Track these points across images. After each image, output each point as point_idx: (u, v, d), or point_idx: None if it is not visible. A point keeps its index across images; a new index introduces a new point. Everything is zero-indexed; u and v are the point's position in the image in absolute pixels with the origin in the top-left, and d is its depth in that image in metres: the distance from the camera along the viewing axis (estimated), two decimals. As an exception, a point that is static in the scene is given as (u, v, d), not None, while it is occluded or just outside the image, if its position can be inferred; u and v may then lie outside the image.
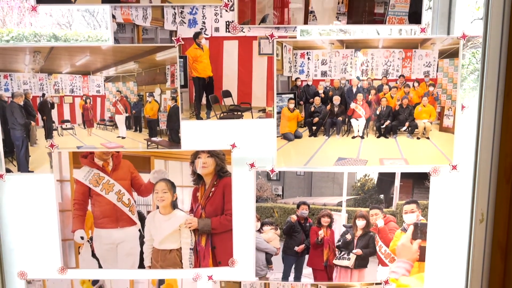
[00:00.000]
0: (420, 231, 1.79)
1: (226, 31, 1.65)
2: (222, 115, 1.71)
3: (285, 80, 1.70)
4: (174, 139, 1.73)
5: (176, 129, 1.72)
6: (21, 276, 1.82)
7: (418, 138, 1.74)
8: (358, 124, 1.73)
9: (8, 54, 1.66)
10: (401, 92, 1.70)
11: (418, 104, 1.71)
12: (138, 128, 1.73)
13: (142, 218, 1.79)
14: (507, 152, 1.71)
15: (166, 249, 1.81)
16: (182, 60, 1.66)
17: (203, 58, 1.67)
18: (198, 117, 1.71)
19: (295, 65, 1.69)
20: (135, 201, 1.78)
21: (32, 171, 1.74)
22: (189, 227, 1.79)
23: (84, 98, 1.70)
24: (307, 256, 1.83)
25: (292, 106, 1.71)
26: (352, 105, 1.71)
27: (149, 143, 1.74)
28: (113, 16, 1.63)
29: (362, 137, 1.73)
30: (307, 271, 1.83)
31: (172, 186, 1.77)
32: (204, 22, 1.65)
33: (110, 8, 1.62)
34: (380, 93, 1.70)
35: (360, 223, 1.80)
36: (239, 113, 1.71)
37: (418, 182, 1.76)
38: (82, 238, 1.79)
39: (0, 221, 1.79)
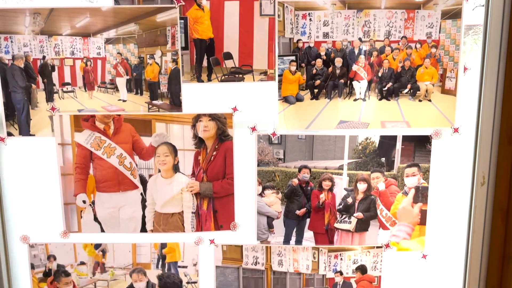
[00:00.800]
0: (421, 194, 1.79)
1: (227, -8, 1.64)
2: (223, 77, 1.71)
3: (287, 42, 1.69)
4: (175, 102, 1.72)
5: (177, 92, 1.71)
6: (24, 240, 1.83)
7: (420, 101, 1.73)
8: (360, 87, 1.72)
9: (8, 16, 1.65)
10: (403, 53, 1.69)
11: (420, 66, 1.71)
12: (139, 91, 1.72)
13: (144, 182, 1.79)
14: (509, 114, 1.71)
15: (168, 212, 1.81)
16: (182, 21, 1.65)
17: (204, 19, 1.66)
18: (199, 80, 1.70)
19: (296, 27, 1.68)
20: (136, 165, 1.78)
21: (34, 135, 1.74)
22: (191, 191, 1.80)
23: (84, 61, 1.70)
24: (308, 220, 1.83)
25: (293, 68, 1.71)
26: (354, 67, 1.71)
27: (150, 106, 1.73)
28: (113, -24, 1.61)
29: (364, 100, 1.73)
30: (308, 234, 1.84)
31: (174, 150, 1.77)
32: (205, -17, 1.63)
33: (110, -32, 1.61)
34: (382, 54, 1.69)
35: (361, 186, 1.80)
36: (241, 75, 1.71)
37: (419, 145, 1.76)
38: (84, 202, 1.80)
39: (2, 185, 1.79)
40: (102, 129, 1.75)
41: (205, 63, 1.69)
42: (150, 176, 1.79)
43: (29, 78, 1.70)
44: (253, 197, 1.81)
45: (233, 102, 1.72)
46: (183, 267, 1.87)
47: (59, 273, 1.86)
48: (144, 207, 1.81)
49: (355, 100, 1.73)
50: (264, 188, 1.81)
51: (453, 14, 1.65)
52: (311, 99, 1.73)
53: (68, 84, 1.71)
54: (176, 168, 1.78)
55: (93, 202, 1.80)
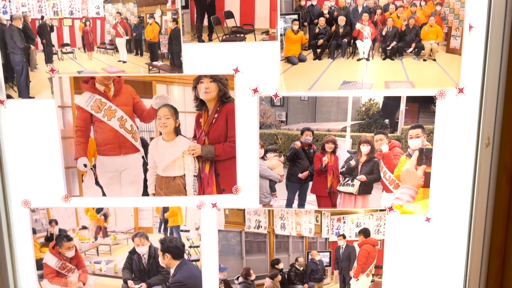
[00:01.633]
0: (425, 156, 1.77)
1: None
2: (224, 37, 1.68)
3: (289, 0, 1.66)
4: (176, 63, 1.70)
5: (177, 52, 1.69)
6: (25, 204, 1.82)
7: (424, 60, 1.70)
8: (363, 46, 1.69)
9: (5, -25, 1.62)
10: (408, 11, 1.66)
11: (425, 24, 1.67)
12: (139, 52, 1.70)
13: (145, 145, 1.78)
14: (515, 73, 1.68)
15: (170, 176, 1.80)
16: (183, -21, 1.62)
17: (205, -23, 1.63)
18: (200, 40, 1.68)
19: (299, -16, 1.65)
20: (137, 128, 1.76)
21: (33, 97, 1.72)
22: (193, 154, 1.78)
23: (83, 21, 1.67)
24: (311, 183, 1.82)
25: (296, 27, 1.68)
26: (358, 26, 1.68)
27: (150, 67, 1.71)
28: None
29: (367, 59, 1.70)
30: (311, 197, 1.82)
31: (175, 112, 1.75)
32: None
33: None
34: (386, 12, 1.66)
35: (365, 148, 1.78)
36: (242, 35, 1.68)
37: (423, 106, 1.74)
38: (85, 165, 1.78)
39: (2, 148, 1.77)
40: (102, 91, 1.73)
41: (205, 23, 1.66)
42: (151, 139, 1.77)
43: (27, 39, 1.68)
44: (255, 160, 1.79)
45: (234, 62, 1.70)
46: (186, 231, 1.86)
47: (61, 237, 1.85)
48: (145, 170, 1.80)
49: (358, 60, 1.70)
50: (266, 151, 1.79)
51: (459, -30, 1.62)
52: (314, 59, 1.71)
53: (67, 45, 1.69)
54: (177, 131, 1.77)
55: (94, 166, 1.78)
